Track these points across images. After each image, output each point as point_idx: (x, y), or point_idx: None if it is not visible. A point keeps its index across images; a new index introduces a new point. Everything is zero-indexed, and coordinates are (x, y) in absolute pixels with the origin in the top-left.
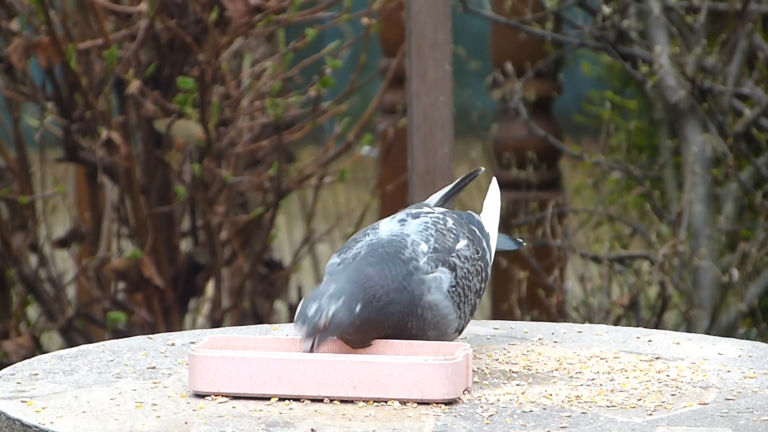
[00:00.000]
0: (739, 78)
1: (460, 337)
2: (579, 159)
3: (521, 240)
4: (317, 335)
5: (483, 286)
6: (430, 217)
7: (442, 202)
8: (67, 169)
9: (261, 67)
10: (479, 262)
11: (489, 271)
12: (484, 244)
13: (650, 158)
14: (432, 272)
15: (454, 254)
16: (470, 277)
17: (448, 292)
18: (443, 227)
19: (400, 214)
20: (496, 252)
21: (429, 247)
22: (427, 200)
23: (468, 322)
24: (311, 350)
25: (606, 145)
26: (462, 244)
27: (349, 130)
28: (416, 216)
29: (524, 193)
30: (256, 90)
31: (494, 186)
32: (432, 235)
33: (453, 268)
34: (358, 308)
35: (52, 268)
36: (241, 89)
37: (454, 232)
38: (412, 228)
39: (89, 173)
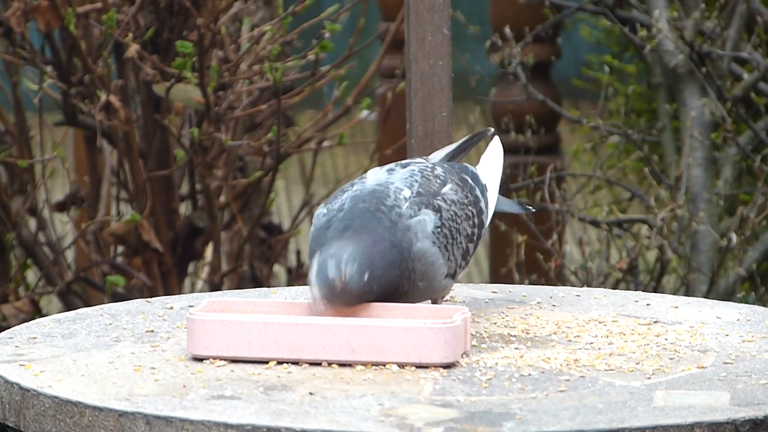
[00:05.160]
0: (738, 42)
1: (459, 301)
2: (577, 123)
3: (530, 206)
4: (331, 298)
5: (476, 231)
6: (418, 166)
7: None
8: (66, 133)
9: (260, 31)
10: (470, 207)
11: (485, 220)
12: (478, 193)
13: (649, 122)
14: (415, 216)
15: (439, 197)
16: (458, 220)
17: (433, 233)
18: (430, 174)
19: (391, 165)
20: (500, 212)
21: (412, 192)
22: (429, 156)
23: (462, 267)
24: (323, 311)
25: (604, 110)
26: (448, 187)
27: (347, 94)
28: (405, 165)
29: (523, 157)
30: (255, 54)
31: (496, 143)
32: (417, 181)
33: (438, 210)
34: (366, 277)
35: (51, 231)
36: (240, 53)
37: (442, 178)
38: (398, 176)
39: (88, 137)
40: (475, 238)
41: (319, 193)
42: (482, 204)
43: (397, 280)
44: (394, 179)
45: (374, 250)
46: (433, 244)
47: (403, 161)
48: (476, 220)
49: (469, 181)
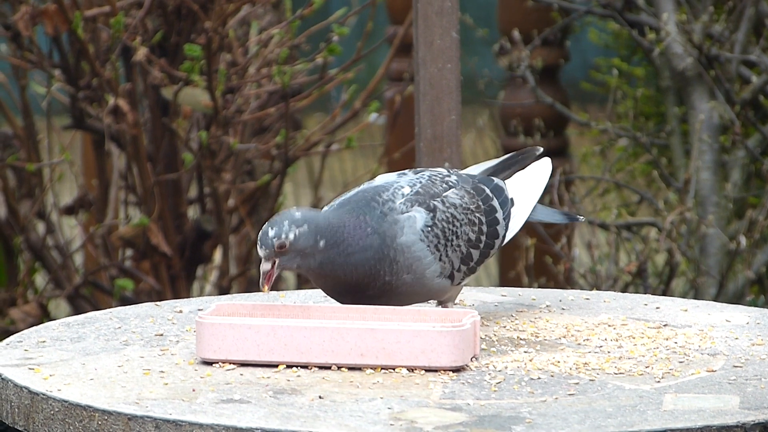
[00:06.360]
0: (746, 45)
1: (468, 305)
2: (586, 126)
3: (578, 216)
4: (277, 258)
5: (483, 239)
6: (430, 172)
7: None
8: (74, 137)
9: (268, 34)
10: (476, 214)
11: (500, 230)
12: (495, 204)
13: (657, 126)
14: (406, 212)
15: (438, 198)
16: (457, 223)
17: (422, 231)
18: (438, 179)
19: (405, 171)
20: (538, 222)
21: (411, 191)
22: (465, 169)
23: (463, 272)
24: (270, 273)
25: (613, 113)
26: (452, 191)
27: (356, 98)
28: (418, 172)
29: None
30: (263, 57)
31: (544, 163)
32: (420, 182)
33: (432, 210)
34: (322, 244)
35: (60, 235)
36: (248, 57)
37: (451, 183)
38: (406, 179)
39: (96, 141)
40: (481, 245)
41: (327, 197)
42: (498, 215)
43: (373, 264)
44: (400, 180)
45: (345, 230)
46: (421, 241)
47: (419, 168)
48: (484, 228)
49: (487, 191)
